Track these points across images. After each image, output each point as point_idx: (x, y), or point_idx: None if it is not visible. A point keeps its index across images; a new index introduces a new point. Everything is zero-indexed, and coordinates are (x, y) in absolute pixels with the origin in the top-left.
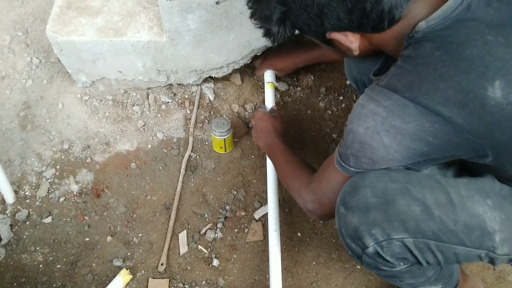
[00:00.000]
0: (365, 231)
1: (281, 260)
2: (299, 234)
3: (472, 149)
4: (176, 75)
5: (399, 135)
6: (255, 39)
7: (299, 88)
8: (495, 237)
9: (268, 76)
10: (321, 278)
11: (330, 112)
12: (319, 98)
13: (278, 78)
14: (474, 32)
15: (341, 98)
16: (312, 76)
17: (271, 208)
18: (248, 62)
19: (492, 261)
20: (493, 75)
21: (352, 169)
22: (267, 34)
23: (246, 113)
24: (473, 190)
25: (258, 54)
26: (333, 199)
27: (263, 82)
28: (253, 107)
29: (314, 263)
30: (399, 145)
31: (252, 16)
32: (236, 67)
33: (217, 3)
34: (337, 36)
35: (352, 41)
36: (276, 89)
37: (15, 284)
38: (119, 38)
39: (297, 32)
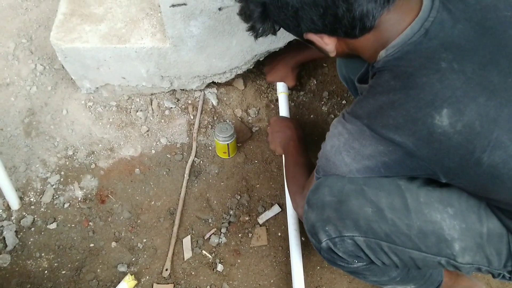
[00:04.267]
0: (320, 227)
1: (285, 264)
2: (303, 239)
3: (425, 172)
4: (179, 81)
5: (358, 155)
6: (257, 45)
7: (302, 93)
8: (454, 245)
9: (281, 86)
10: (326, 283)
11: (333, 116)
12: (322, 103)
13: (290, 89)
14: (428, 60)
15: (344, 102)
16: (314, 81)
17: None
18: (251, 67)
19: (457, 269)
20: (441, 103)
21: None
22: (251, 29)
23: (249, 118)
24: (435, 198)
25: (261, 59)
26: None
27: (266, 87)
28: (256, 112)
29: (318, 267)
30: (358, 164)
31: (238, 12)
32: (239, 72)
33: (219, 9)
34: (313, 37)
35: (327, 43)
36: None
37: None
38: (122, 45)
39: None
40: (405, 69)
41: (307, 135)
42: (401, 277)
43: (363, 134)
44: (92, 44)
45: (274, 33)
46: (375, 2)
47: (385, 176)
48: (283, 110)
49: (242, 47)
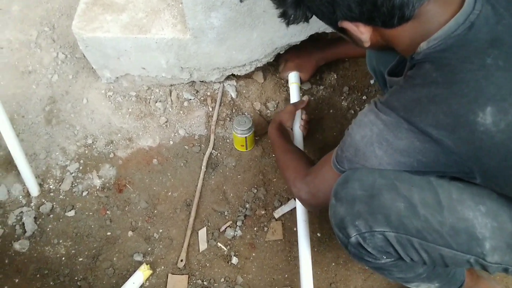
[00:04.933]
0: (349, 221)
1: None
2: (318, 235)
3: (460, 170)
4: (199, 72)
5: (390, 149)
6: (278, 38)
7: (321, 87)
8: (484, 243)
9: (292, 76)
10: (340, 280)
11: (353, 111)
12: (342, 98)
13: (302, 82)
14: (473, 55)
15: (364, 97)
16: (335, 75)
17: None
18: (271, 61)
19: (484, 268)
20: (485, 101)
21: (343, 170)
22: (282, 15)
23: (268, 111)
24: (467, 195)
25: (281, 52)
26: (327, 193)
27: (286, 81)
28: (275, 106)
29: (333, 264)
30: (390, 157)
31: None
32: (258, 65)
33: (240, 1)
34: (348, 25)
35: (362, 32)
36: (300, 89)
37: (38, 275)
38: (143, 35)
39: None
40: (449, 62)
41: (326, 130)
42: (426, 274)
43: (399, 127)
44: (113, 34)
45: (307, 20)
46: None
47: (416, 172)
48: (294, 98)
49: (263, 40)
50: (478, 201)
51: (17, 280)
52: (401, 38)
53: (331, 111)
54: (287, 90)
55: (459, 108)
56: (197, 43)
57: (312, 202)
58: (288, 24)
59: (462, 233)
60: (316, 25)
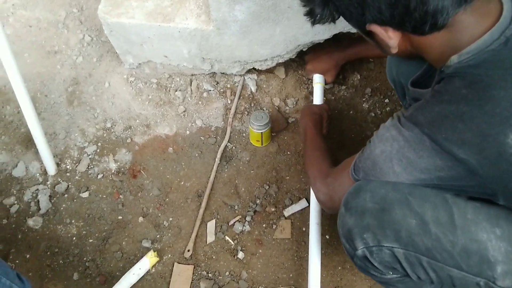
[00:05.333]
0: (357, 233)
1: (306, 260)
2: (327, 237)
3: (482, 191)
4: (220, 64)
5: (410, 166)
6: (302, 35)
7: (343, 87)
8: (496, 267)
9: (317, 77)
10: (345, 284)
11: (373, 114)
12: (364, 99)
13: (327, 83)
14: (507, 72)
15: (386, 101)
16: (358, 76)
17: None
18: (293, 57)
19: None
20: None
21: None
22: (309, 13)
23: (287, 107)
24: (483, 216)
25: (304, 49)
26: (338, 196)
27: (308, 78)
28: (295, 103)
29: (340, 268)
30: (409, 174)
31: None
32: (280, 61)
33: None
34: (377, 29)
35: (391, 37)
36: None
37: (48, 253)
38: (167, 24)
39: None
40: (481, 78)
41: (344, 131)
42: None
43: (421, 144)
44: (137, 21)
45: (333, 20)
46: None
47: (434, 185)
48: (317, 101)
49: (286, 36)
50: (494, 223)
51: (28, 256)
52: (431, 47)
53: (351, 112)
54: (308, 88)
55: (489, 128)
56: (219, 35)
57: (329, 204)
58: (313, 23)
59: (473, 255)
60: (341, 25)
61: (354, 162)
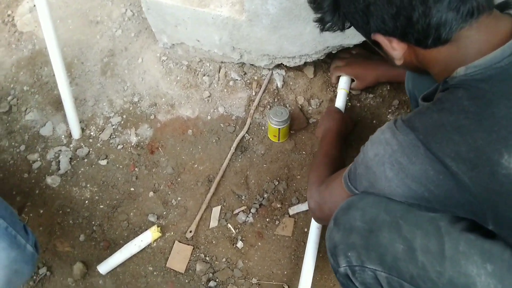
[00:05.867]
0: (342, 250)
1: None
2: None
3: (472, 212)
4: (249, 55)
5: (402, 173)
6: (331, 37)
7: (371, 95)
8: None
9: (343, 82)
10: None
11: None
12: (390, 110)
13: (352, 89)
14: None
15: None
16: (388, 86)
17: None
18: (321, 58)
19: None
20: None
21: (355, 190)
22: (319, 20)
23: (310, 108)
24: (475, 249)
25: (333, 52)
26: (331, 208)
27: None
28: (318, 104)
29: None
30: (400, 182)
31: (309, 1)
32: (308, 60)
33: None
34: (381, 39)
35: (395, 48)
36: (349, 96)
37: (60, 212)
38: (201, 9)
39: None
40: (485, 93)
41: (363, 140)
42: None
43: (415, 151)
44: (173, 2)
45: (343, 29)
46: (456, 13)
47: (426, 208)
48: (339, 106)
49: (315, 36)
50: (486, 258)
51: (41, 211)
52: (435, 61)
53: (374, 121)
54: (334, 91)
55: (484, 144)
56: (250, 26)
57: (317, 213)
58: (322, 30)
59: None
60: None
61: (349, 169)
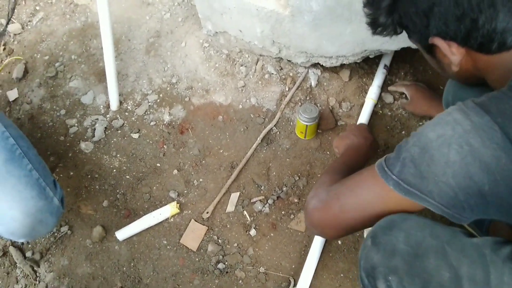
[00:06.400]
0: (382, 273)
1: None
2: (339, 242)
3: None
4: (287, 51)
5: (470, 156)
6: (370, 40)
7: None
8: None
9: (372, 92)
10: None
11: None
12: (420, 123)
13: (404, 108)
14: None
15: None
16: None
17: None
18: (358, 61)
19: None
20: None
21: (393, 176)
22: (372, 23)
23: (340, 110)
24: None
25: (371, 56)
26: (345, 205)
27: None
28: (349, 108)
29: (342, 275)
30: (463, 168)
31: (364, 4)
32: (344, 62)
33: None
34: (440, 43)
35: (454, 53)
36: (381, 104)
37: (89, 176)
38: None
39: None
40: None
41: (389, 149)
42: None
43: (491, 133)
44: None
45: (395, 33)
46: None
47: (474, 204)
48: (364, 116)
49: (355, 38)
50: None
51: (71, 173)
52: (495, 67)
53: (403, 132)
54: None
55: None
56: (292, 22)
57: (318, 214)
58: (374, 33)
59: None
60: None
61: (384, 159)
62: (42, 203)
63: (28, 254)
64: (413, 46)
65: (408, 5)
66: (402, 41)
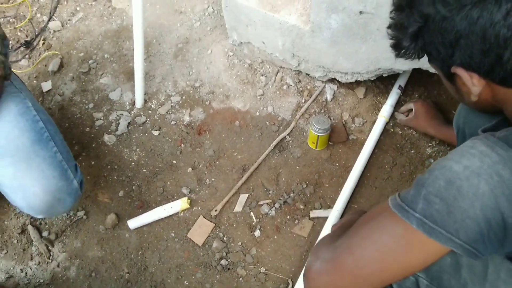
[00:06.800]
0: None
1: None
2: None
3: None
4: (306, 64)
5: (500, 187)
6: (383, 59)
7: None
8: None
9: (385, 111)
10: None
11: (432, 160)
12: (430, 144)
13: (406, 123)
14: None
15: None
16: None
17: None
18: (372, 79)
19: None
20: None
21: (416, 214)
22: (396, 46)
23: (353, 125)
24: None
25: (384, 75)
26: (362, 262)
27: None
28: (361, 123)
29: None
30: (491, 199)
31: (389, 26)
32: (359, 79)
33: (360, 12)
34: (462, 73)
35: (475, 84)
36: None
37: (108, 167)
38: (272, 14)
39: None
40: None
41: (396, 166)
42: None
43: None
44: (250, 3)
45: (418, 57)
46: None
47: (496, 239)
48: (374, 134)
49: (369, 56)
50: None
51: (93, 163)
52: None
53: (412, 151)
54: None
55: None
56: (312, 37)
57: (332, 278)
58: (397, 56)
59: None
60: (424, 59)
61: (399, 199)
62: (62, 183)
63: (45, 233)
64: (425, 67)
65: (435, 34)
66: (414, 62)
